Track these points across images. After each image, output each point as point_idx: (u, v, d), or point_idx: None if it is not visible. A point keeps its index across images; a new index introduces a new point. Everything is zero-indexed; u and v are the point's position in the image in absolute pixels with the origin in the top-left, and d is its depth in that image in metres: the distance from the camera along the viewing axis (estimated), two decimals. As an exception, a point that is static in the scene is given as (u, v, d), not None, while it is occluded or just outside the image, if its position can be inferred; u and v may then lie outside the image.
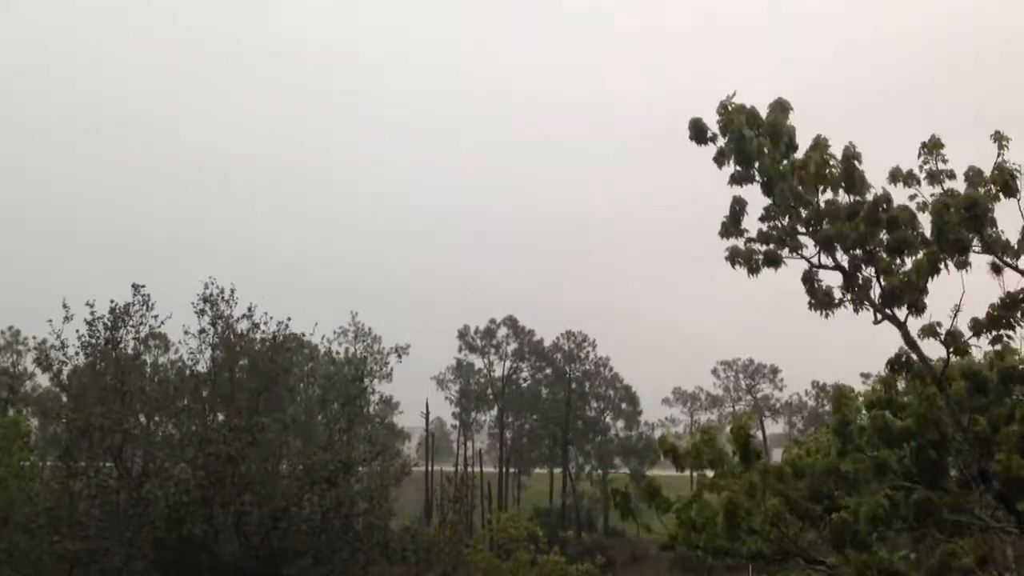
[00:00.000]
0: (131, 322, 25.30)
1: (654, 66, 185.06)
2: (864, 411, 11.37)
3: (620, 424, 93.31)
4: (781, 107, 10.90)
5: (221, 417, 25.23)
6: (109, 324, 24.93)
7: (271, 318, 26.32)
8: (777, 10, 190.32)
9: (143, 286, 25.39)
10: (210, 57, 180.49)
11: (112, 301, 25.09)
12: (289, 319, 26.83)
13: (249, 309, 25.96)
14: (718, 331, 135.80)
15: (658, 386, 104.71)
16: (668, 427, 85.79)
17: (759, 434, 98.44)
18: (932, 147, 10.81)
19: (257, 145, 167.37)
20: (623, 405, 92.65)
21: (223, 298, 25.54)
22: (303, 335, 33.67)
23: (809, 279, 11.03)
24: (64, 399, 26.33)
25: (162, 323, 26.12)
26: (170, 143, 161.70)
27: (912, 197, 10.91)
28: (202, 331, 25.68)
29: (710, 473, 12.83)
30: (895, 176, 10.98)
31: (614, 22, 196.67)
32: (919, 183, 10.85)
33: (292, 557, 22.77)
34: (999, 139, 10.60)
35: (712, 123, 11.08)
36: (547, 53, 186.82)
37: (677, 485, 16.55)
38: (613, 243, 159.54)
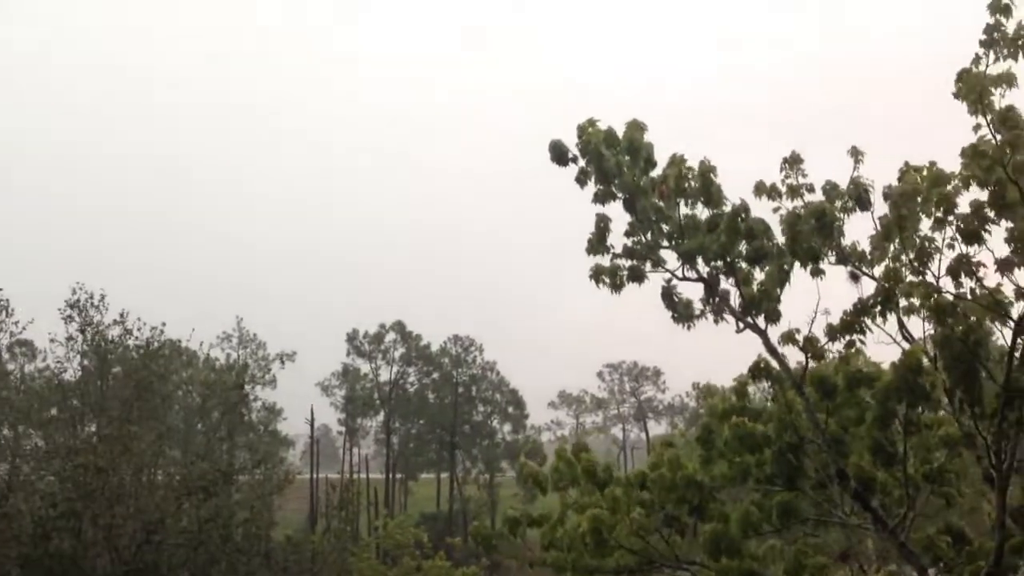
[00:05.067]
0: (-11, 328, 24.15)
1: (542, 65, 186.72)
2: (718, 419, 11.75)
3: (507, 428, 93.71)
4: (637, 126, 11.27)
5: (92, 427, 24.33)
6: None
7: (144, 324, 25.54)
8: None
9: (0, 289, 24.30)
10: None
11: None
12: (164, 324, 26.10)
13: (121, 315, 25.13)
14: (603, 334, 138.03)
15: (544, 389, 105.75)
16: (535, 442, 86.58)
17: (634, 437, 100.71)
18: (792, 162, 11.37)
19: (132, 143, 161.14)
20: (510, 409, 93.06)
21: (92, 304, 24.62)
22: (180, 341, 32.69)
23: (668, 295, 11.42)
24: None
25: (23, 329, 25.01)
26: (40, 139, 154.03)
27: (776, 210, 11.46)
28: (70, 338, 24.72)
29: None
30: (759, 189, 11.49)
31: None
32: (781, 196, 11.39)
33: (167, 571, 22.11)
34: (855, 154, 11.21)
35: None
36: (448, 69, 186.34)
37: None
38: (498, 247, 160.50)
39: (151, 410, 25.28)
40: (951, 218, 10.22)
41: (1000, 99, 9.47)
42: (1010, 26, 9.31)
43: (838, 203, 11.08)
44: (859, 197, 10.92)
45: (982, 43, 9.38)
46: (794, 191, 11.26)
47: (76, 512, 21.12)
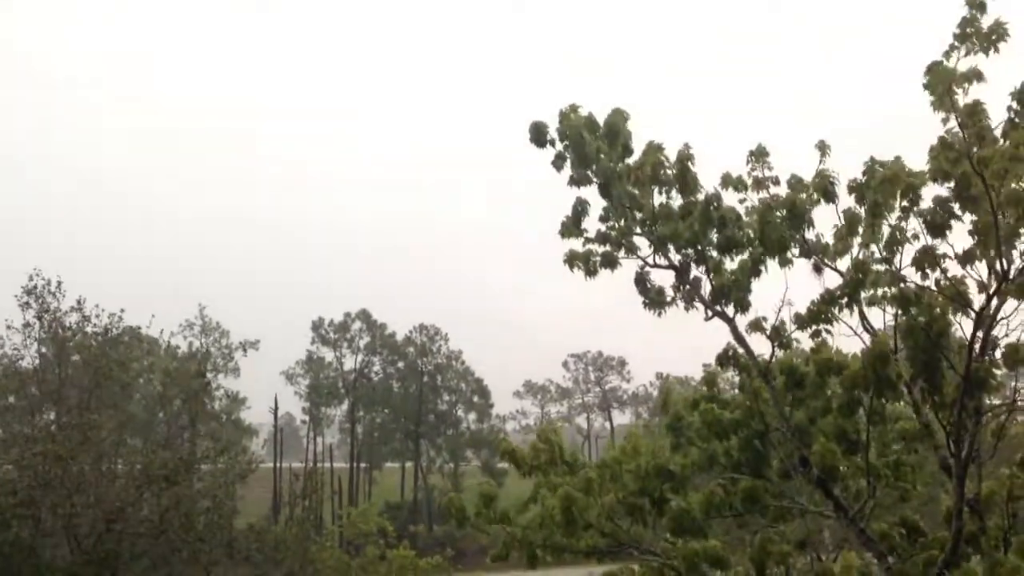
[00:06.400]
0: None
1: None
2: (689, 407, 11.86)
3: (472, 417, 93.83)
4: (619, 113, 11.33)
5: (51, 416, 23.98)
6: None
7: (103, 311, 25.14)
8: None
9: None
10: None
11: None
12: (123, 311, 25.70)
13: (78, 302, 24.71)
14: (569, 324, 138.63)
15: (510, 379, 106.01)
16: (500, 431, 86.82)
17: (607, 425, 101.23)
18: (759, 155, 11.49)
19: (97, 127, 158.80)
20: (475, 398, 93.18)
21: (49, 290, 24.21)
22: (140, 328, 32.24)
23: (641, 280, 11.54)
24: None
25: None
26: None
27: (741, 201, 11.59)
28: (27, 325, 24.30)
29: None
30: (726, 180, 11.59)
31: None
32: (747, 188, 11.51)
33: (128, 560, 21.87)
34: (822, 148, 11.34)
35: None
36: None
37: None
38: (464, 237, 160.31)
39: (111, 398, 24.95)
40: (916, 209, 10.38)
41: (964, 94, 9.60)
42: (985, 22, 9.42)
43: (803, 196, 11.22)
44: (825, 190, 11.06)
45: (955, 36, 9.48)
46: (759, 183, 11.40)
47: (35, 501, 20.82)
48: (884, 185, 10.79)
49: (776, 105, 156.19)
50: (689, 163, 11.21)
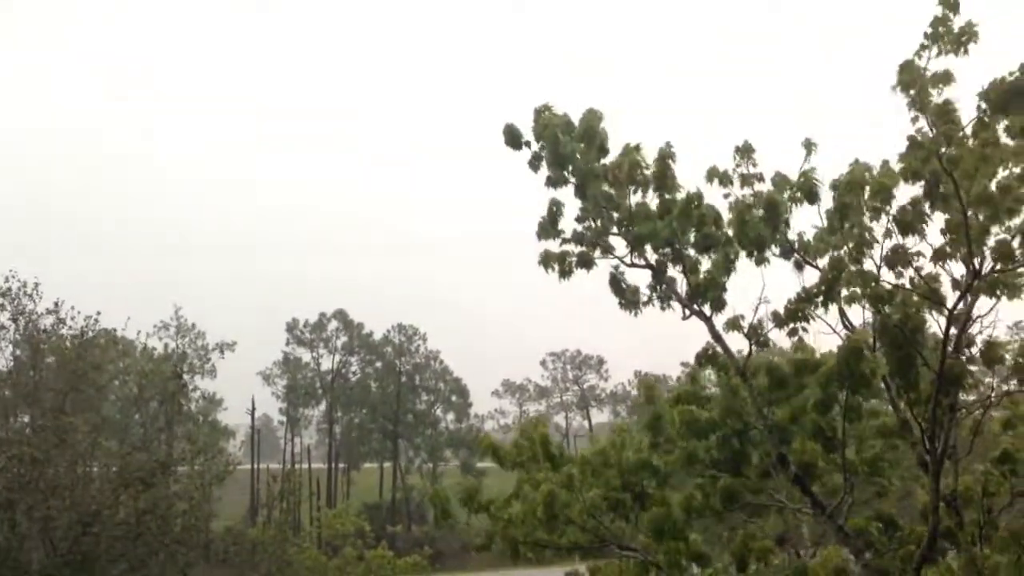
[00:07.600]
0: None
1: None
2: (671, 405, 11.90)
3: (450, 416, 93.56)
4: (594, 113, 11.34)
5: (26, 418, 23.72)
6: None
7: (78, 313, 24.91)
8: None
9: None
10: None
11: None
12: (98, 313, 25.47)
13: (55, 304, 24.48)
14: (547, 322, 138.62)
15: (488, 378, 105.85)
16: (479, 430, 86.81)
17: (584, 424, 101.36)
18: (745, 152, 11.53)
19: (68, 133, 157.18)
20: (453, 397, 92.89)
21: (25, 292, 23.97)
22: (115, 330, 31.93)
23: (616, 281, 11.54)
24: None
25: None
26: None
27: (726, 196, 11.63)
28: (1, 327, 24.04)
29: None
30: (711, 175, 11.63)
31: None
32: (732, 183, 11.55)
33: (105, 563, 21.67)
34: (807, 146, 11.40)
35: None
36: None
37: (507, 476, 16.67)
38: (444, 240, 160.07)
39: (86, 401, 24.70)
40: (888, 208, 10.47)
41: (939, 94, 9.68)
42: (957, 23, 9.50)
43: (786, 193, 11.28)
44: (810, 190, 11.13)
45: (927, 36, 9.56)
46: (745, 179, 11.44)
47: (11, 503, 20.60)
48: (848, 187, 10.90)
49: (776, 105, 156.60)
50: (670, 160, 11.23)
